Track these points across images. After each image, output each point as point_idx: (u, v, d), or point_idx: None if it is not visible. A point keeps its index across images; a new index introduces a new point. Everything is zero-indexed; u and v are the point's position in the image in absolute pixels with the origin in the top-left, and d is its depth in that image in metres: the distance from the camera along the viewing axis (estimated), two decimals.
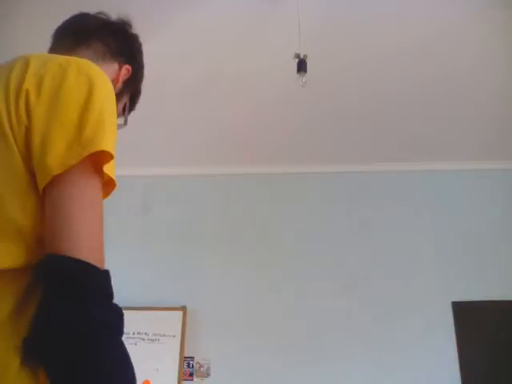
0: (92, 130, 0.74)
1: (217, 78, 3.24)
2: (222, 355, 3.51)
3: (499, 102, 3.41)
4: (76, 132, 0.73)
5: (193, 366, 3.50)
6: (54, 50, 1.09)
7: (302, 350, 3.50)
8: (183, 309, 3.61)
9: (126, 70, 1.10)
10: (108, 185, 0.81)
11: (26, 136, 0.73)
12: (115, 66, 1.08)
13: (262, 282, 3.70)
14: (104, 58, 1.07)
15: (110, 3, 2.82)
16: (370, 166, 3.93)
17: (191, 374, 3.48)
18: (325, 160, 3.91)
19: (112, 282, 0.76)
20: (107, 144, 0.75)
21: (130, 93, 1.16)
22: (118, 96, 1.05)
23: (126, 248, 3.79)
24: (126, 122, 1.20)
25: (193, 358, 3.52)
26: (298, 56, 2.36)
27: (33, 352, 0.69)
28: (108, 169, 0.77)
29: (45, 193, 0.72)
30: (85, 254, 0.70)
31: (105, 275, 0.74)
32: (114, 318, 0.75)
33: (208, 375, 3.49)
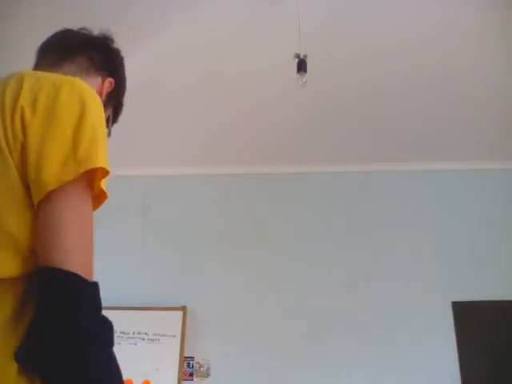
0: (86, 147, 0.78)
1: (217, 78, 3.24)
2: (222, 355, 3.51)
3: (499, 101, 3.41)
4: (71, 149, 0.77)
5: (193, 366, 3.50)
6: (38, 65, 1.11)
7: (302, 350, 3.50)
8: (183, 309, 3.61)
9: (109, 83, 1.15)
10: (99, 197, 0.84)
11: (22, 152, 0.76)
12: (98, 79, 1.13)
13: (262, 282, 3.70)
14: (88, 72, 1.11)
15: (111, 3, 2.83)
16: (370, 165, 3.93)
17: (191, 374, 3.48)
18: (325, 160, 3.91)
19: (101, 294, 0.79)
20: (102, 161, 0.79)
21: (113, 105, 1.21)
22: None
23: (126, 248, 3.79)
24: (109, 134, 1.22)
25: (193, 358, 3.52)
26: (297, 56, 2.36)
27: (24, 361, 0.71)
28: (101, 182, 0.81)
29: (39, 207, 0.75)
30: (74, 266, 0.73)
31: (94, 287, 0.77)
32: (104, 329, 0.77)
33: (208, 375, 3.49)
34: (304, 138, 3.71)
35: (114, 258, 3.77)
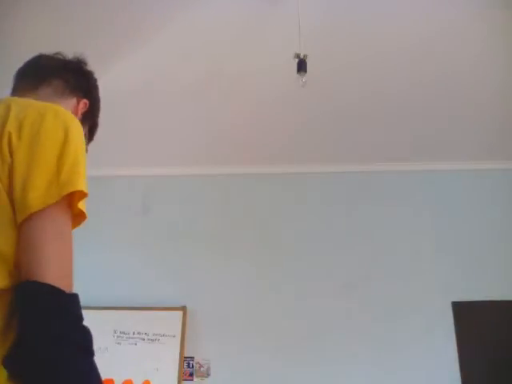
0: (68, 172, 0.85)
1: (217, 78, 3.24)
2: (222, 355, 3.51)
3: (499, 101, 3.41)
4: (54, 174, 0.84)
5: (193, 366, 3.50)
6: (16, 89, 1.17)
7: (302, 350, 3.50)
8: (183, 309, 3.61)
9: (84, 104, 1.21)
10: (79, 216, 0.91)
11: (9, 174, 0.83)
12: (74, 100, 1.19)
13: (262, 282, 3.70)
14: (63, 93, 1.17)
15: (111, 3, 2.83)
16: (370, 165, 3.93)
17: (191, 374, 3.48)
18: (325, 160, 3.91)
19: (80, 305, 0.82)
20: (82, 184, 0.86)
21: (88, 125, 1.26)
22: None
23: (126, 248, 3.79)
24: (86, 151, 1.28)
25: (193, 358, 3.52)
26: (297, 56, 2.36)
27: (10, 369, 0.76)
28: (80, 203, 0.88)
29: (21, 225, 0.82)
30: (52, 279, 0.78)
31: (72, 298, 0.82)
32: (84, 338, 0.81)
33: (208, 375, 3.49)
34: (304, 138, 3.71)
35: (114, 257, 3.77)
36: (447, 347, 3.43)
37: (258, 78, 3.23)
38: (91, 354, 0.82)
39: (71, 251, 0.85)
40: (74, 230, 0.94)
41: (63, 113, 0.93)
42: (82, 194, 0.87)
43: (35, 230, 0.81)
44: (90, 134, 1.31)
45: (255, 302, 3.65)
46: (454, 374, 3.36)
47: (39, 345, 0.75)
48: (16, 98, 0.98)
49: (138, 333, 3.52)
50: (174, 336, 3.51)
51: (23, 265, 0.80)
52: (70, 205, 0.87)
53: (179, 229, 3.89)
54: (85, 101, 1.21)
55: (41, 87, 1.13)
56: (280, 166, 3.95)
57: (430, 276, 3.65)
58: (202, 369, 3.50)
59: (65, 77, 1.18)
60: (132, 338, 3.50)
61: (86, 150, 1.23)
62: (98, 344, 3.36)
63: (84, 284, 3.89)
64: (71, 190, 0.84)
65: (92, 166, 4.25)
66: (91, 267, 3.68)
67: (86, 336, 0.82)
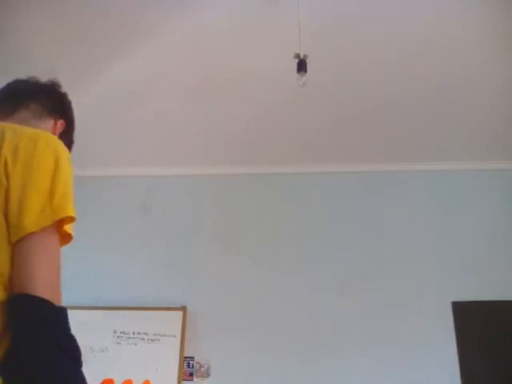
0: (60, 198, 0.94)
1: (217, 78, 3.24)
2: (222, 355, 3.51)
3: (499, 102, 3.41)
4: (48, 199, 0.93)
5: (193, 366, 3.50)
6: None
7: (302, 350, 3.50)
8: (183, 309, 3.61)
9: (61, 124, 1.29)
10: (66, 237, 0.99)
11: (5, 196, 0.90)
12: (51, 122, 1.27)
13: (262, 282, 3.70)
14: (41, 116, 1.25)
15: (112, 3, 2.83)
16: (370, 165, 3.93)
17: (191, 374, 3.48)
18: (325, 160, 3.91)
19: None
20: (72, 210, 0.96)
21: (65, 143, 1.33)
22: None
23: (126, 248, 3.79)
24: None
25: (193, 358, 3.52)
26: (297, 56, 2.36)
27: (4, 375, 0.81)
28: (68, 226, 0.97)
29: (16, 243, 0.89)
30: (41, 292, 0.86)
31: (61, 310, 0.89)
32: (70, 345, 0.88)
33: (208, 375, 3.49)
34: (304, 137, 3.71)
35: (114, 258, 3.77)
36: (447, 347, 3.43)
37: (258, 78, 3.23)
38: (79, 362, 0.88)
39: (59, 268, 0.94)
40: (75, 231, 1.01)
41: (53, 140, 1.02)
42: (71, 219, 0.97)
43: (29, 248, 0.89)
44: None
45: (255, 302, 3.65)
46: (454, 374, 3.36)
47: (29, 351, 0.82)
48: (9, 124, 1.05)
49: (138, 333, 3.52)
50: (174, 336, 3.51)
51: (16, 280, 0.88)
52: (59, 227, 0.96)
53: (179, 229, 3.89)
54: (61, 121, 1.29)
55: (19, 110, 1.21)
56: (280, 166, 3.95)
57: (430, 276, 3.66)
58: (202, 369, 3.50)
59: (41, 100, 1.26)
60: (132, 338, 3.50)
61: None
62: (98, 344, 3.41)
63: (84, 284, 3.90)
64: (63, 215, 0.94)
65: (92, 166, 4.27)
66: (91, 267, 3.68)
67: (73, 344, 0.89)
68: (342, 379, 3.42)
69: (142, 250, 3.80)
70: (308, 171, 3.96)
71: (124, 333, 3.51)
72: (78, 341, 0.90)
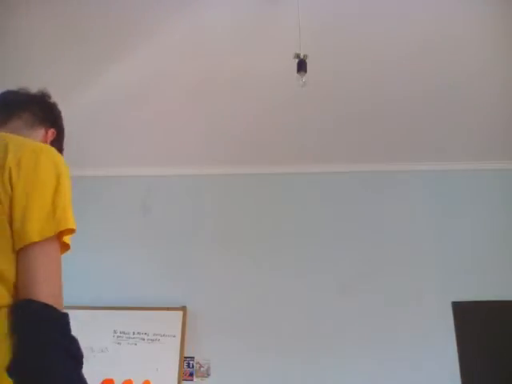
0: (62, 210, 1.01)
1: (217, 78, 3.24)
2: (222, 355, 3.51)
3: (499, 102, 3.41)
4: (50, 211, 0.99)
5: (193, 366, 3.50)
6: None
7: (302, 350, 3.50)
8: (183, 309, 3.61)
9: (52, 133, 1.35)
10: (64, 246, 1.05)
11: (10, 205, 0.97)
12: (42, 131, 1.33)
13: (262, 282, 3.70)
14: (33, 125, 1.30)
15: (112, 3, 2.83)
16: (370, 165, 3.93)
17: (191, 374, 3.48)
18: (325, 160, 3.91)
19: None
20: (73, 222, 1.03)
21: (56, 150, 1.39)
22: None
23: (126, 248, 3.79)
24: None
25: (193, 357, 3.52)
26: (297, 56, 2.36)
27: (12, 375, 0.86)
28: (67, 237, 1.04)
29: (19, 252, 0.95)
30: (45, 297, 0.93)
31: (63, 315, 0.95)
32: (71, 345, 0.94)
33: (208, 375, 3.49)
34: (304, 137, 3.71)
35: (114, 258, 3.77)
36: (447, 347, 3.43)
37: (258, 78, 3.23)
38: (80, 362, 0.94)
39: (60, 275, 1.00)
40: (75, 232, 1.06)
41: (53, 154, 1.08)
42: (71, 230, 1.04)
43: (32, 257, 0.95)
44: None
45: (255, 302, 3.65)
46: (454, 373, 3.36)
47: (33, 353, 0.87)
48: (11, 136, 1.10)
49: (138, 333, 3.52)
50: (174, 336, 3.51)
51: (20, 286, 0.94)
52: (60, 237, 1.02)
53: (179, 229, 3.89)
54: (52, 130, 1.35)
55: (12, 120, 1.26)
56: (280, 165, 3.95)
57: (430, 276, 3.66)
58: (202, 369, 3.50)
59: (32, 110, 1.31)
60: (132, 338, 3.50)
61: None
62: (98, 344, 3.40)
63: (84, 284, 3.89)
64: (65, 227, 1.00)
65: (92, 166, 4.27)
66: (91, 267, 3.68)
67: (75, 345, 0.94)
68: (342, 379, 3.42)
69: (142, 250, 3.80)
70: (308, 171, 3.96)
71: (124, 333, 3.51)
72: (79, 342, 0.95)
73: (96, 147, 3.77)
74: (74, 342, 0.94)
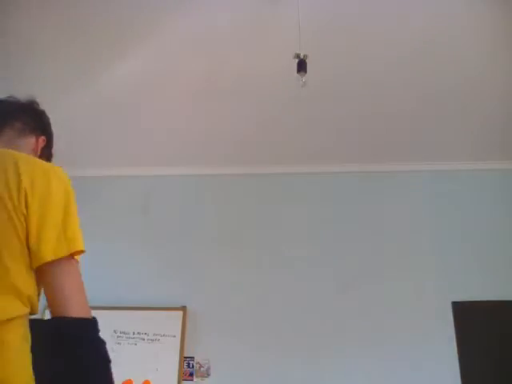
0: (72, 231, 1.07)
1: (217, 78, 3.24)
2: (222, 355, 3.51)
3: (499, 102, 3.41)
4: (61, 230, 1.05)
5: (193, 366, 3.50)
6: None
7: (301, 350, 3.50)
8: (183, 309, 3.61)
9: (43, 140, 1.38)
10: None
11: (26, 225, 1.02)
12: (33, 139, 1.36)
13: (262, 282, 3.70)
14: (25, 134, 1.34)
15: (112, 3, 2.83)
16: (370, 165, 3.93)
17: (191, 374, 3.48)
18: (325, 160, 3.91)
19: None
20: (81, 244, 1.09)
21: (46, 156, 1.42)
22: None
23: (126, 248, 3.79)
24: None
25: (193, 357, 3.52)
26: (298, 56, 2.36)
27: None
28: (77, 256, 1.10)
29: (39, 270, 1.03)
30: (76, 312, 1.02)
31: (94, 321, 1.07)
32: (104, 349, 1.05)
33: (208, 375, 3.49)
34: (304, 137, 3.71)
35: (114, 257, 3.77)
36: (447, 347, 3.43)
37: (258, 78, 3.23)
38: (109, 360, 1.05)
39: (83, 285, 1.07)
40: None
41: (62, 176, 1.13)
42: (81, 251, 1.10)
43: (53, 275, 1.03)
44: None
45: (255, 302, 3.65)
46: (454, 374, 3.36)
47: (79, 363, 0.98)
48: (16, 154, 1.14)
49: (138, 333, 3.52)
50: (174, 336, 3.51)
51: (50, 305, 1.02)
52: (72, 255, 1.08)
53: (179, 229, 3.89)
54: (43, 138, 1.38)
55: (5, 130, 1.30)
56: (280, 166, 3.95)
57: (430, 276, 3.66)
58: (202, 369, 3.50)
59: (23, 119, 1.34)
60: (132, 338, 3.50)
61: None
62: None
63: (84, 284, 3.87)
64: (76, 249, 1.07)
65: (92, 166, 4.27)
66: (91, 267, 3.67)
67: (105, 347, 1.05)
68: (342, 379, 3.42)
69: (142, 250, 3.80)
70: (308, 171, 3.96)
71: (124, 333, 3.51)
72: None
73: (96, 147, 3.77)
74: (104, 344, 1.05)
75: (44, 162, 1.18)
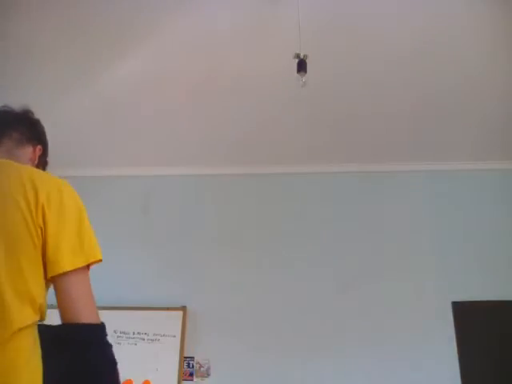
0: (88, 243, 1.15)
1: (217, 78, 3.24)
2: (222, 355, 3.51)
3: (499, 102, 3.41)
4: (77, 241, 1.12)
5: (193, 366, 3.50)
6: None
7: (301, 350, 3.50)
8: (183, 309, 3.61)
9: (39, 149, 1.41)
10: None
11: (43, 238, 1.08)
12: (30, 148, 1.39)
13: (262, 282, 3.70)
14: (22, 144, 1.37)
15: (112, 4, 2.83)
16: (370, 165, 3.93)
17: (191, 374, 3.48)
18: (325, 160, 3.91)
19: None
20: (99, 253, 1.17)
21: (42, 164, 1.46)
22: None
23: (126, 248, 3.79)
24: None
25: (193, 357, 3.52)
26: (298, 56, 2.36)
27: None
28: (94, 265, 1.17)
29: (55, 280, 1.08)
30: (88, 317, 1.09)
31: (103, 326, 1.12)
32: (112, 353, 1.10)
33: (208, 375, 3.49)
34: (304, 137, 3.71)
35: (114, 258, 3.77)
36: (447, 347, 3.43)
37: (258, 78, 3.23)
38: (116, 362, 1.11)
39: (92, 293, 1.14)
40: None
41: (72, 190, 1.19)
42: (99, 260, 1.17)
43: (69, 285, 1.08)
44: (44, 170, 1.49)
45: (255, 302, 3.65)
46: (454, 374, 3.36)
47: (87, 365, 1.04)
48: (31, 169, 1.20)
49: (138, 333, 3.52)
50: (174, 336, 3.51)
51: (62, 312, 1.08)
52: (88, 265, 1.15)
53: (179, 229, 3.89)
54: (39, 147, 1.41)
55: (4, 141, 1.33)
56: (280, 166, 3.95)
57: (430, 276, 3.66)
58: (202, 369, 3.50)
59: (20, 129, 1.37)
60: (132, 338, 3.50)
61: None
62: None
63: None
64: (94, 259, 1.15)
65: (93, 167, 4.27)
66: (91, 267, 3.68)
67: (111, 350, 1.10)
68: (342, 379, 3.42)
69: (142, 250, 3.80)
70: (308, 171, 3.96)
71: (124, 333, 3.51)
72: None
73: (96, 147, 3.77)
74: (111, 347, 1.10)
75: (56, 178, 1.23)
